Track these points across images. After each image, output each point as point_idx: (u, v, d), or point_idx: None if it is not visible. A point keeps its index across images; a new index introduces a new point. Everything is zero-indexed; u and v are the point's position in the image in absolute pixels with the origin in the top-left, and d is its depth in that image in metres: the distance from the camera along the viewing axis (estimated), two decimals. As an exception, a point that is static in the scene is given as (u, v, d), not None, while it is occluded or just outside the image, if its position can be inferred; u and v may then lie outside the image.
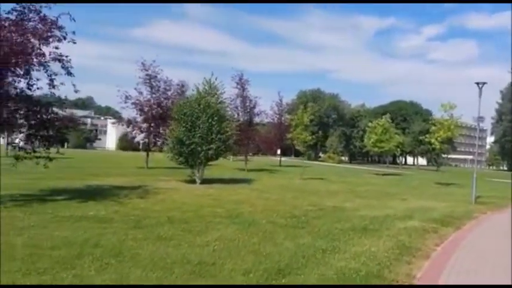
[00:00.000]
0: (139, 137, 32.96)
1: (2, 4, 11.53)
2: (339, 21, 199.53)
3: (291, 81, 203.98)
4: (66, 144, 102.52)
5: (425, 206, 15.64)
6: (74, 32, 11.85)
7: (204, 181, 19.98)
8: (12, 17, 11.50)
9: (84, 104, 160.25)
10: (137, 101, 30.19)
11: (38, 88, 11.86)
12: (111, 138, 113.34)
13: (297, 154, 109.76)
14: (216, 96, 20.64)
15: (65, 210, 10.13)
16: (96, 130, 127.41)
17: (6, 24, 11.42)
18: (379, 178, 35.33)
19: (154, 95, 30.25)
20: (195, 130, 19.08)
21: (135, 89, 30.21)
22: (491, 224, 12.34)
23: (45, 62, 11.50)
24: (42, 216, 9.27)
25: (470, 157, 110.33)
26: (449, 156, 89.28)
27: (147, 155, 30.75)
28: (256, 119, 35.58)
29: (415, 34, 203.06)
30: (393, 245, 8.29)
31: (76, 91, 11.91)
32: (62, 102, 12.70)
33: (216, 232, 8.54)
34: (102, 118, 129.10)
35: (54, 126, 12.57)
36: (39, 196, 12.70)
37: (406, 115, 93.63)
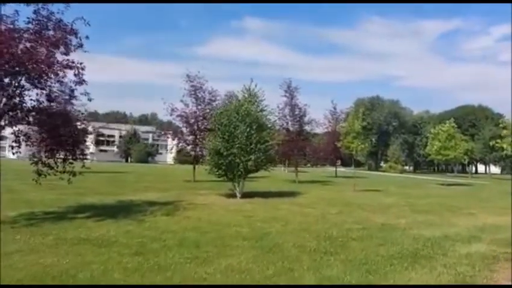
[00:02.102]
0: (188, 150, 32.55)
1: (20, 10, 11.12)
2: (399, 27, 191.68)
3: (351, 90, 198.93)
4: (129, 158, 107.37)
5: (496, 222, 13.14)
6: (87, 37, 11.20)
7: (245, 195, 18.71)
8: (32, 26, 11.10)
9: (147, 120, 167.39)
10: (183, 113, 29.82)
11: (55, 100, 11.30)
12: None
13: (358, 164, 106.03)
14: (256, 103, 19.40)
15: (72, 231, 9.27)
16: (157, 145, 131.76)
17: (26, 35, 11.04)
18: (444, 189, 32.01)
19: (199, 107, 29.73)
20: (233, 140, 17.92)
21: (181, 101, 29.91)
22: None
23: (60, 70, 10.89)
24: (41, 238, 8.43)
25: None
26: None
27: (194, 168, 30.14)
28: (307, 128, 33.73)
29: (483, 35, 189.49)
30: (450, 280, 6.40)
31: (90, 99, 11.26)
32: (80, 114, 12.10)
33: (226, 260, 7.15)
34: (162, 133, 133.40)
35: (75, 140, 11.97)
36: (59, 214, 12.09)
37: (474, 120, 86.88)
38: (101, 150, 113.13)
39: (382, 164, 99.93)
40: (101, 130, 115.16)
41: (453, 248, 8.75)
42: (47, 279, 5.80)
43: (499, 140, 27.84)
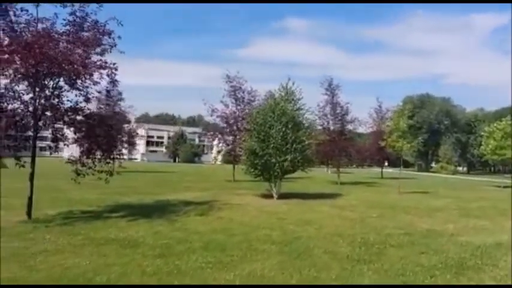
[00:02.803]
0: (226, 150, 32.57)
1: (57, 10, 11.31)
2: (447, 21, 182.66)
3: (397, 89, 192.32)
4: (177, 159, 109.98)
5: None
6: (119, 37, 11.23)
7: (283, 196, 18.26)
8: (69, 27, 11.27)
9: (195, 121, 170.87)
10: (223, 114, 29.84)
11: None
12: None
13: (406, 165, 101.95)
14: (293, 102, 18.88)
15: (102, 231, 9.26)
16: (203, 145, 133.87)
17: (63, 37, 11.24)
18: (499, 191, 29.77)
19: (239, 107, 29.58)
20: (268, 140, 17.51)
21: (221, 101, 29.92)
22: None
23: (94, 71, 10.99)
24: (70, 238, 8.45)
25: None
26: None
27: (233, 167, 30.03)
28: (350, 127, 32.48)
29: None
30: (499, 296, 5.64)
31: (121, 99, 11.24)
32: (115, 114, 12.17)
33: (250, 265, 6.77)
34: (203, 134, 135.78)
35: (110, 140, 12.08)
36: (96, 213, 12.24)
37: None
38: (151, 151, 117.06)
39: (433, 164, 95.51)
40: (150, 131, 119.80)
41: (505, 258, 7.84)
42: (63, 280, 5.68)
43: None
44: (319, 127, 31.93)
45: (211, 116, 30.22)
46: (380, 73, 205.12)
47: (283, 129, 17.54)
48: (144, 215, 11.92)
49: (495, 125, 36.46)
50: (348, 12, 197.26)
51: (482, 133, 39.59)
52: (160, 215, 11.99)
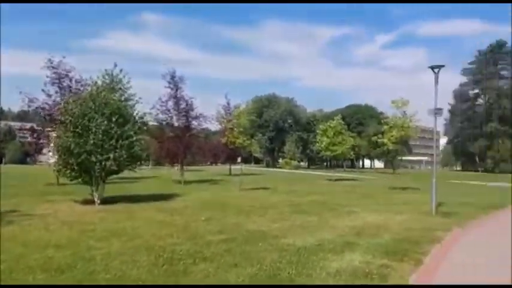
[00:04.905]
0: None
1: None
2: (296, 30, 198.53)
3: (250, 89, 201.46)
4: (3, 159, 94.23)
5: (376, 221, 12.22)
6: None
7: (108, 200, 15.79)
8: None
9: (28, 115, 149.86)
10: (45, 105, 25.19)
11: None
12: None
13: (257, 161, 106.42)
14: (119, 92, 16.49)
15: None
16: (41, 143, 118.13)
17: None
18: (331, 185, 32.15)
19: (64, 97, 25.36)
20: (87, 135, 14.79)
21: (43, 90, 25.21)
22: (460, 252, 8.93)
23: None
24: None
25: (425, 158, 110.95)
26: (405, 158, 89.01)
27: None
28: (195, 123, 30.94)
29: (369, 43, 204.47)
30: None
31: None
32: None
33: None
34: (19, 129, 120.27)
35: None
36: None
37: (361, 118, 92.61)
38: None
39: (280, 160, 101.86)
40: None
41: (322, 263, 7.11)
42: None
43: (380, 135, 28.44)
44: (164, 123, 29.92)
45: (29, 107, 25.36)
46: (235, 73, 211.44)
47: (106, 122, 15.04)
48: None
49: (328, 123, 39.61)
50: (204, 13, 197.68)
51: (318, 131, 42.64)
52: None
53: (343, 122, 40.58)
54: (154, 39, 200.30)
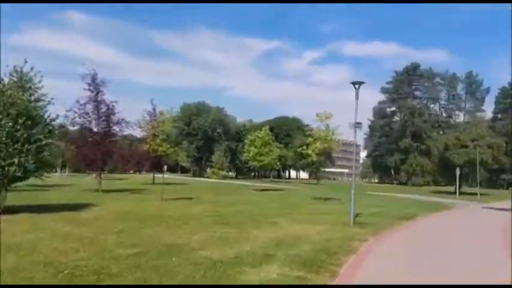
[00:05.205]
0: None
1: None
2: (229, 41, 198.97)
3: (180, 96, 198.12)
4: None
5: (296, 232, 12.24)
6: None
7: (10, 209, 14.21)
8: None
9: None
10: None
11: None
12: None
13: (184, 170, 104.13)
14: (29, 91, 15.05)
15: None
16: None
17: None
18: (257, 195, 32.27)
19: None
20: (-11, 138, 13.25)
21: None
22: (374, 261, 9.16)
23: None
24: None
25: (346, 170, 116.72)
26: (328, 169, 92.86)
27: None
28: (116, 128, 29.36)
29: (298, 58, 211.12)
30: None
31: None
32: None
33: None
34: None
35: None
36: None
37: (289, 130, 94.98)
38: None
39: (208, 170, 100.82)
40: None
41: (238, 277, 6.83)
42: None
43: (305, 147, 29.20)
44: (81, 127, 28.09)
45: None
46: (163, 79, 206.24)
47: (11, 123, 13.58)
48: None
49: (256, 133, 39.99)
50: (132, 15, 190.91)
51: (246, 141, 42.87)
52: None
53: (271, 133, 41.26)
54: (77, 39, 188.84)
